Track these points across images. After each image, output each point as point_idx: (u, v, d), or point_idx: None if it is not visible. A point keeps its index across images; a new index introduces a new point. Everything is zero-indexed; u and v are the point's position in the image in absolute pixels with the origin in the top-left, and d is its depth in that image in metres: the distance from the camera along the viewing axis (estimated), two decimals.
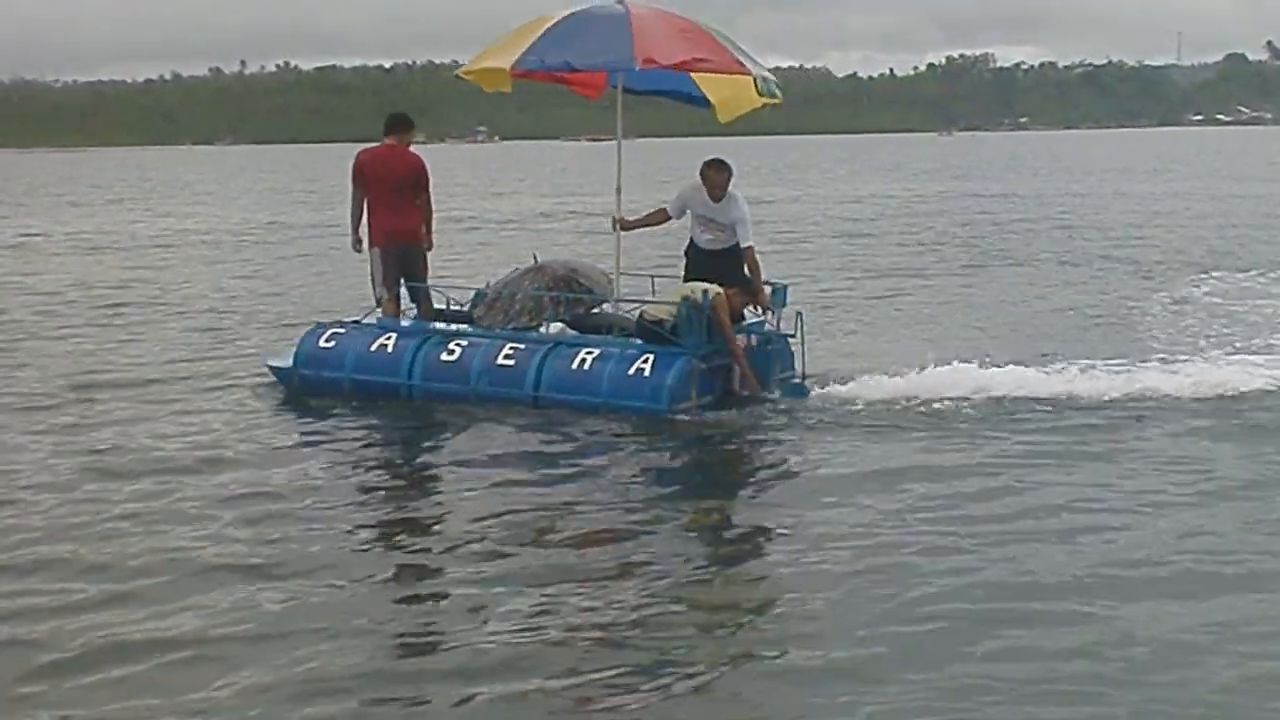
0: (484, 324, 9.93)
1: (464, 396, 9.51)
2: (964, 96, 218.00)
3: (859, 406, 9.17)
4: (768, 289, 9.83)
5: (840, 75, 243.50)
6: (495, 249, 23.25)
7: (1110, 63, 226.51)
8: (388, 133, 10.19)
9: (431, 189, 10.33)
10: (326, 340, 10.08)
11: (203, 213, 35.78)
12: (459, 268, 18.04)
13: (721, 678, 5.05)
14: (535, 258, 10.27)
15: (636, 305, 9.83)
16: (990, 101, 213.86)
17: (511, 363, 9.45)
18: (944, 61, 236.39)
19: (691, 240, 10.09)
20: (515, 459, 8.36)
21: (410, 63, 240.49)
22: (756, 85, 9.50)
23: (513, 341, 9.63)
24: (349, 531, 6.90)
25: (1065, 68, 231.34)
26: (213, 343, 12.83)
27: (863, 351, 11.48)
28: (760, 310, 9.80)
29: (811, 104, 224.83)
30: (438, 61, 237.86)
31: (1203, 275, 16.99)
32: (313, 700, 4.81)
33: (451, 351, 9.67)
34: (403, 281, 10.29)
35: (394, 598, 6.02)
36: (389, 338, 9.87)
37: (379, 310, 10.29)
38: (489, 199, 41.93)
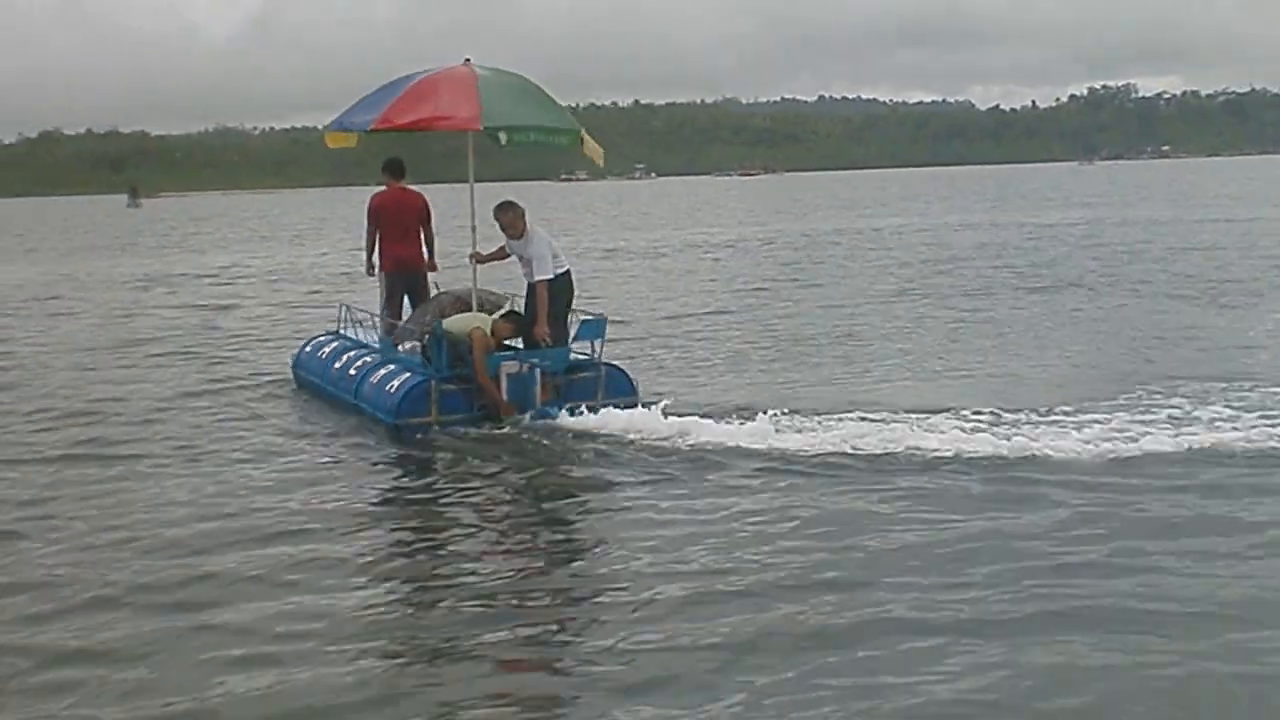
0: (395, 342, 10.53)
1: (335, 398, 10.57)
2: (1106, 127, 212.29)
3: (597, 438, 8.95)
4: (586, 319, 9.95)
5: (983, 108, 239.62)
6: (611, 277, 23.59)
7: (1254, 91, 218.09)
8: (394, 176, 11.02)
9: (433, 223, 11.12)
10: (307, 348, 11.69)
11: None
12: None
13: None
14: (436, 286, 10.77)
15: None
16: (1132, 131, 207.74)
17: (351, 373, 10.37)
18: (1085, 93, 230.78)
19: None
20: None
21: (573, 105, 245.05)
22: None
23: (368, 355, 10.48)
24: None
25: (1208, 96, 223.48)
26: None
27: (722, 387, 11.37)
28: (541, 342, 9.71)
29: (954, 136, 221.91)
30: (599, 104, 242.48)
31: None
32: None
33: (341, 362, 10.69)
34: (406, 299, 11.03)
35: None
36: (326, 349, 11.21)
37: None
38: (628, 231, 42.41)
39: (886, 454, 8.37)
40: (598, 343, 9.87)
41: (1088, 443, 8.43)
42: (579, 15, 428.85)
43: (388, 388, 9.72)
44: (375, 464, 8.92)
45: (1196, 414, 9.31)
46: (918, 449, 8.40)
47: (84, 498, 8.00)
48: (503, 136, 9.64)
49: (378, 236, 10.95)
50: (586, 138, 10.03)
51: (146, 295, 22.88)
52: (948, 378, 11.64)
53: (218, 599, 6.08)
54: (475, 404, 9.53)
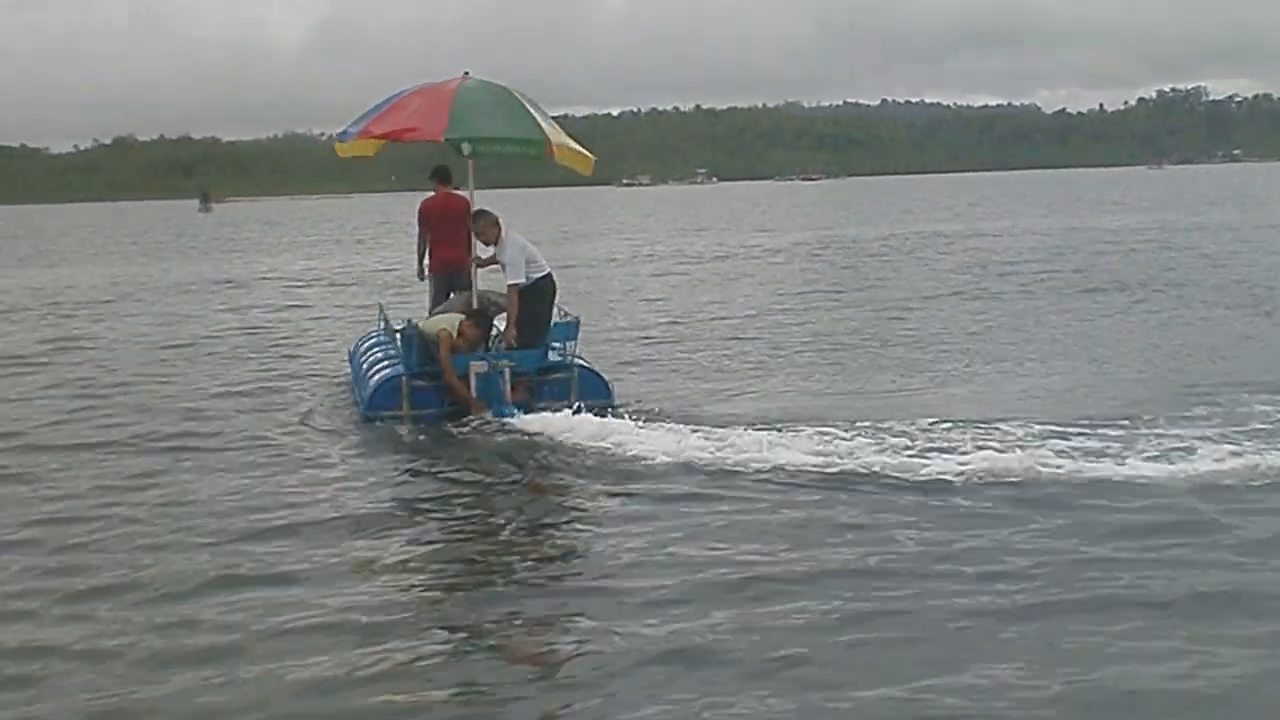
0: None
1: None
2: (1175, 130, 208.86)
3: (540, 438, 9.08)
4: (560, 321, 10.33)
5: (1049, 112, 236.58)
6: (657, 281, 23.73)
7: None
8: (441, 182, 11.32)
9: None
10: (358, 343, 12.11)
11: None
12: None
13: None
14: (450, 294, 11.02)
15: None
16: (1202, 134, 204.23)
17: (364, 368, 10.87)
18: (1154, 95, 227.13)
19: None
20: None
21: (636, 110, 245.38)
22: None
23: (379, 351, 11.00)
24: None
25: None
26: None
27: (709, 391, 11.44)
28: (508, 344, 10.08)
29: (1020, 140, 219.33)
30: (661, 109, 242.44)
31: None
32: None
33: (365, 359, 11.09)
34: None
35: None
36: (364, 346, 11.66)
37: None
38: (684, 236, 42.50)
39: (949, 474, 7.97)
40: (571, 344, 10.21)
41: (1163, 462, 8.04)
42: (642, 20, 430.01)
43: (369, 382, 10.25)
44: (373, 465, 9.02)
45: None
46: (990, 472, 7.95)
47: (130, 489, 8.35)
48: (465, 147, 10.13)
49: (428, 240, 11.29)
50: (560, 148, 10.34)
51: (213, 297, 23.43)
52: (1008, 387, 11.45)
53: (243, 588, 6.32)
54: (446, 400, 9.88)
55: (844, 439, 8.79)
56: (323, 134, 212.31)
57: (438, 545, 7.13)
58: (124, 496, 8.11)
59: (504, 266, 10.20)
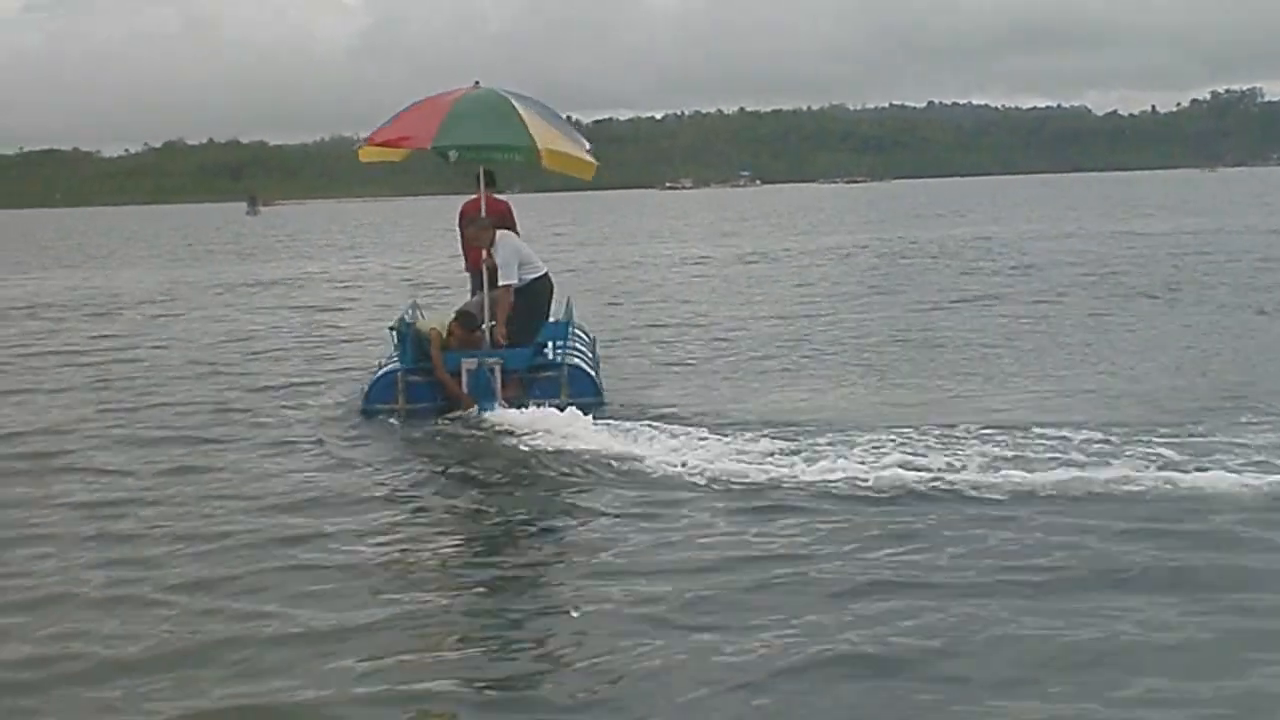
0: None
1: None
2: (1229, 132, 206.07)
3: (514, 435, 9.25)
4: (550, 321, 10.89)
5: (1099, 113, 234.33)
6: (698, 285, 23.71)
7: None
8: (487, 185, 11.34)
9: (517, 226, 11.50)
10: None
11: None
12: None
13: None
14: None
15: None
16: (1258, 136, 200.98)
17: (378, 362, 11.42)
18: (1208, 97, 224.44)
19: None
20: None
21: (679, 113, 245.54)
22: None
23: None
24: None
25: None
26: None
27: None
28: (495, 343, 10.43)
29: (1069, 143, 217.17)
30: (704, 111, 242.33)
31: None
32: None
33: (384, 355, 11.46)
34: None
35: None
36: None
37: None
38: (717, 239, 42.45)
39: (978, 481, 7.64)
40: (559, 344, 10.80)
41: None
42: (685, 22, 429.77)
43: (371, 377, 10.82)
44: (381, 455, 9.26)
45: None
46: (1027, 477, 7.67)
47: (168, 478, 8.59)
48: (452, 155, 10.69)
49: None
50: (550, 154, 10.54)
51: (259, 298, 23.69)
52: (1052, 390, 11.17)
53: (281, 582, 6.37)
54: (440, 396, 10.29)
55: (921, 441, 8.59)
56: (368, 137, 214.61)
57: (407, 532, 7.26)
58: (160, 486, 8.31)
59: (498, 268, 10.57)
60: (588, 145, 11.49)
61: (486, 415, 9.80)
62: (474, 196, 11.34)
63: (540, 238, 14.16)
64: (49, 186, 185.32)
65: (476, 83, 11.05)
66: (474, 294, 11.24)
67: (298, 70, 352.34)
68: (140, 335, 17.55)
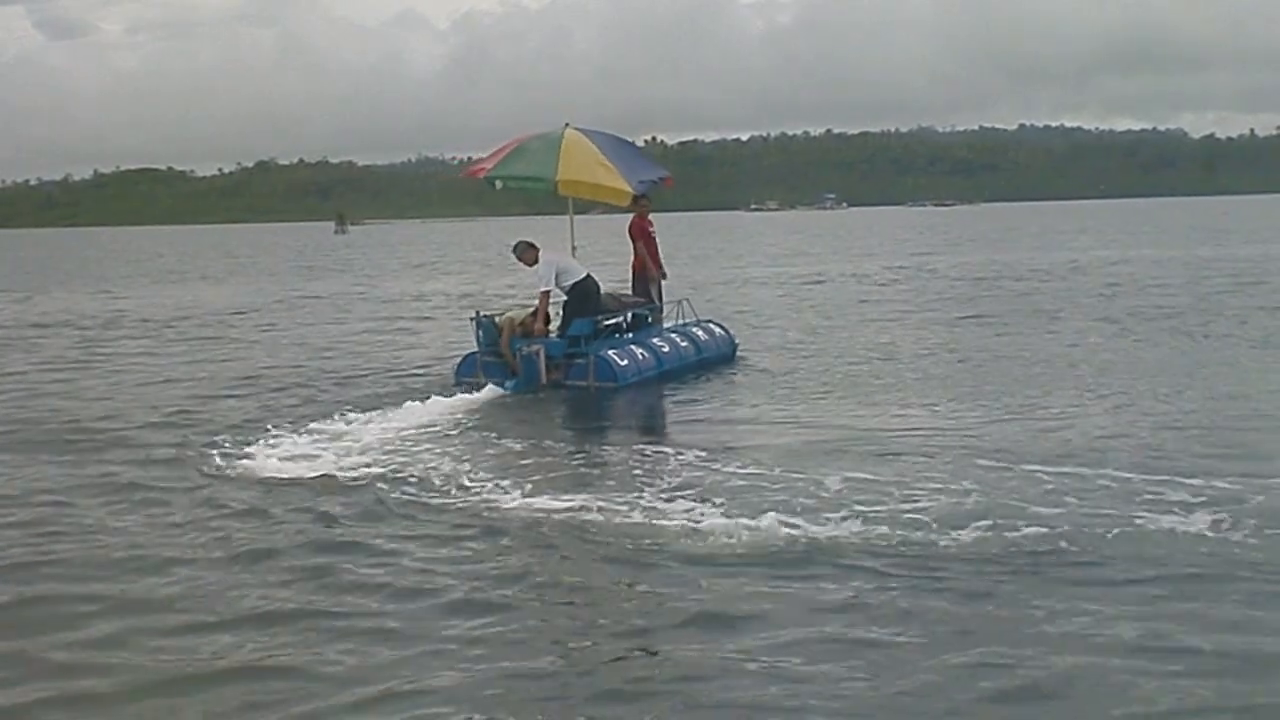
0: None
1: None
2: None
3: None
4: (578, 320, 13.34)
5: (1196, 136, 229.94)
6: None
7: None
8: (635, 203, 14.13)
9: (656, 242, 14.37)
10: None
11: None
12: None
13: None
14: (645, 292, 14.55)
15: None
16: None
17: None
18: None
19: None
20: None
21: (765, 135, 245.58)
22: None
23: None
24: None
25: None
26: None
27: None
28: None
29: (1165, 166, 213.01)
30: (791, 133, 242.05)
31: None
32: None
33: None
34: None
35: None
36: None
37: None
38: (777, 261, 42.30)
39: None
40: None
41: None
42: (773, 45, 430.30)
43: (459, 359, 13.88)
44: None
45: None
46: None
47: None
48: (498, 184, 13.74)
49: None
50: (566, 184, 13.31)
51: (349, 314, 24.18)
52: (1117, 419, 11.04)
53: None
54: (506, 371, 13.11)
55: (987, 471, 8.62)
56: (454, 158, 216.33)
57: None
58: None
59: (539, 278, 13.34)
60: (663, 173, 14.47)
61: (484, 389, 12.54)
62: (635, 215, 14.25)
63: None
64: (146, 204, 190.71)
65: (567, 125, 13.62)
66: (634, 292, 14.41)
67: (387, 92, 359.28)
68: (235, 339, 18.01)
